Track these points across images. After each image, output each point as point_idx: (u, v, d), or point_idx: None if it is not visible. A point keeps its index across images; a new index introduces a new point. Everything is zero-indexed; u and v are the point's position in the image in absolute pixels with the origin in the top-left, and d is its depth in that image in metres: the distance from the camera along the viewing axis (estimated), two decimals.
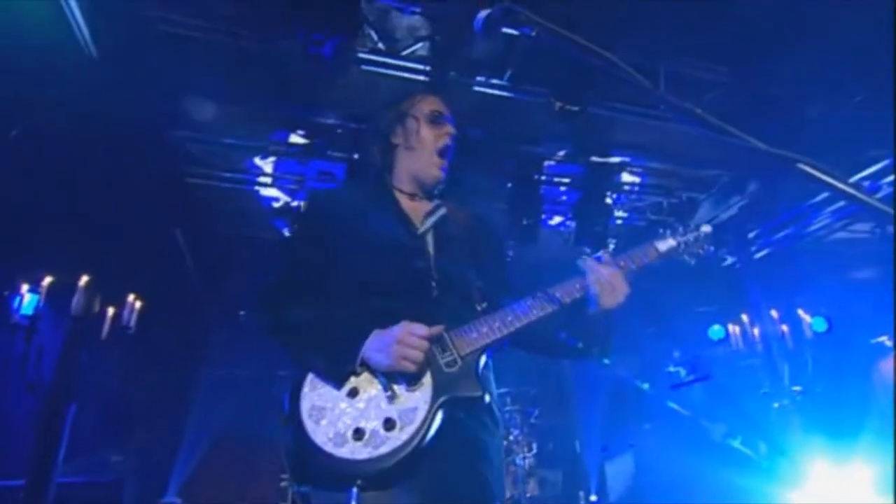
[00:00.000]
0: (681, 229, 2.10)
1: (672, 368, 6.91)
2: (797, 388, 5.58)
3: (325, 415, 1.69)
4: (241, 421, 6.60)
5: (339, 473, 1.61)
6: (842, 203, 5.54)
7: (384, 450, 1.63)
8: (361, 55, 4.75)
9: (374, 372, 1.73)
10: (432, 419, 1.69)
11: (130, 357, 5.65)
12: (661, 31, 4.50)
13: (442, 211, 2.11)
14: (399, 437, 1.65)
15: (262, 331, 1.89)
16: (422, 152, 2.12)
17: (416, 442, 1.65)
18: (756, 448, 5.88)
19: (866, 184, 5.16)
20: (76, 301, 4.87)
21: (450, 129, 2.14)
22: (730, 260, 6.94)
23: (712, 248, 2.14)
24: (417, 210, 2.11)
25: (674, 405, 6.62)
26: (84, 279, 4.94)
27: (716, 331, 7.15)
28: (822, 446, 5.47)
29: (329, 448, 1.62)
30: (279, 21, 4.25)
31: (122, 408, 5.69)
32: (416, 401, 1.71)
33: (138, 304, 5.43)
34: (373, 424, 1.67)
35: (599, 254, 1.97)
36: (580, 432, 7.28)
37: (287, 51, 4.63)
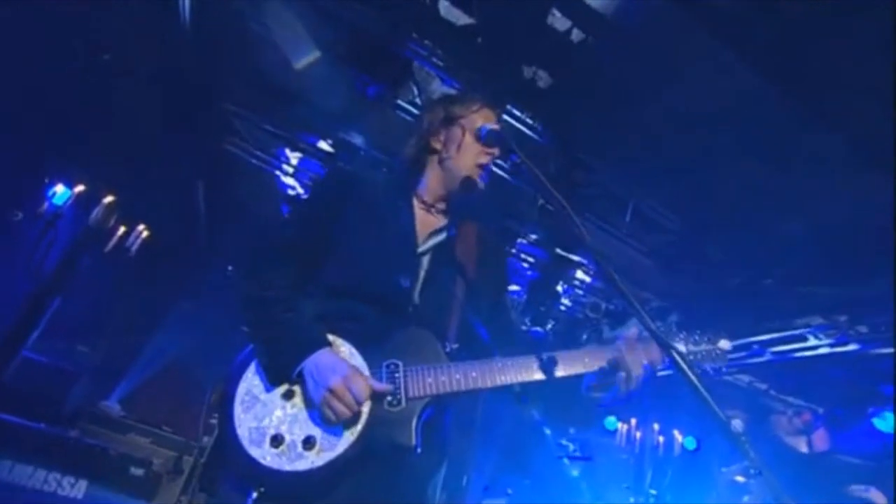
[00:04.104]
0: (696, 337, 1.76)
1: (564, 441, 7.29)
2: (653, 492, 5.99)
3: (255, 405, 1.54)
4: (198, 356, 6.67)
5: (245, 471, 1.48)
6: (742, 353, 6.04)
7: (295, 467, 1.46)
8: (400, 102, 5.21)
9: None
10: (351, 454, 1.48)
11: (124, 274, 5.95)
12: (637, 168, 4.91)
13: (447, 235, 1.88)
14: (314, 460, 1.47)
15: (238, 298, 1.75)
16: (460, 166, 1.87)
17: (327, 472, 1.47)
18: None
19: (755, 346, 5.60)
20: (95, 214, 5.19)
21: (496, 152, 1.88)
22: None
23: (723, 369, 1.75)
24: (427, 225, 1.88)
25: (567, 462, 6.92)
26: (109, 198, 5.26)
27: (611, 422, 7.62)
28: None
29: (245, 443, 1.48)
30: (342, 54, 4.66)
31: (101, 313, 5.96)
32: (342, 428, 1.51)
33: (145, 234, 5.76)
34: (294, 436, 1.50)
35: (631, 331, 1.64)
36: (472, 467, 7.53)
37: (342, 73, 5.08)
